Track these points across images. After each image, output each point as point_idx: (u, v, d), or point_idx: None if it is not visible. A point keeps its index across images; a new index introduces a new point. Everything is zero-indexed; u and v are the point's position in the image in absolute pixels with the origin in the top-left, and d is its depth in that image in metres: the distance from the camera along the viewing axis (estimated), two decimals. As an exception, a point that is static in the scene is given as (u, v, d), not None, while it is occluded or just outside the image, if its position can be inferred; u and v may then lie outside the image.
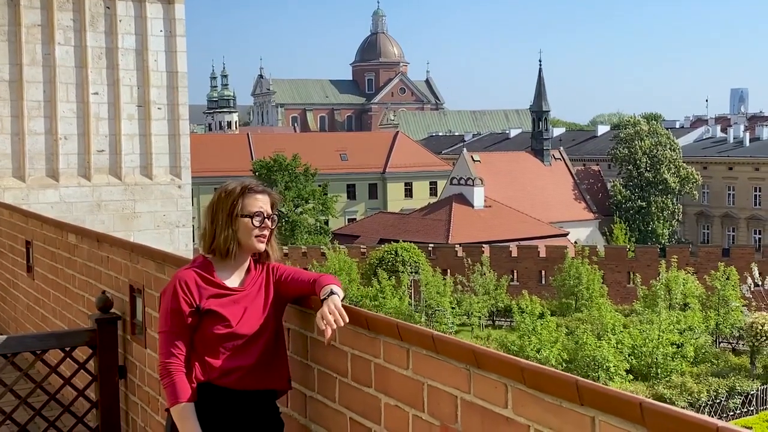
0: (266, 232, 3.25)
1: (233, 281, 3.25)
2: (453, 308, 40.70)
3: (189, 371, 3.13)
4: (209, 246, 3.25)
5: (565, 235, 57.74)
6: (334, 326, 3.02)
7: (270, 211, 3.26)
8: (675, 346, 31.41)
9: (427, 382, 2.72)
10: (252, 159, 68.64)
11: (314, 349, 3.35)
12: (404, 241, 46.17)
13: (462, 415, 2.58)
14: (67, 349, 5.25)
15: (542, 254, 48.34)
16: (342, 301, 3.14)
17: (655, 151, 69.09)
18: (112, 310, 5.33)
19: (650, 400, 2.00)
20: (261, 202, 3.24)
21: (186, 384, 3.10)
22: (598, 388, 2.13)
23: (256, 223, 3.21)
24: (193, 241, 16.37)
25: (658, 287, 36.24)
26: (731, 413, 29.17)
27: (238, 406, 3.18)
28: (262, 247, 3.26)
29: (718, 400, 29.23)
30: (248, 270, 3.29)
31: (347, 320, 3.04)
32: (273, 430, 3.30)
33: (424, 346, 2.72)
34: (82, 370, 5.27)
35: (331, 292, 3.12)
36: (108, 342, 5.27)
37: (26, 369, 5.11)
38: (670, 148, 69.43)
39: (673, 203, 69.06)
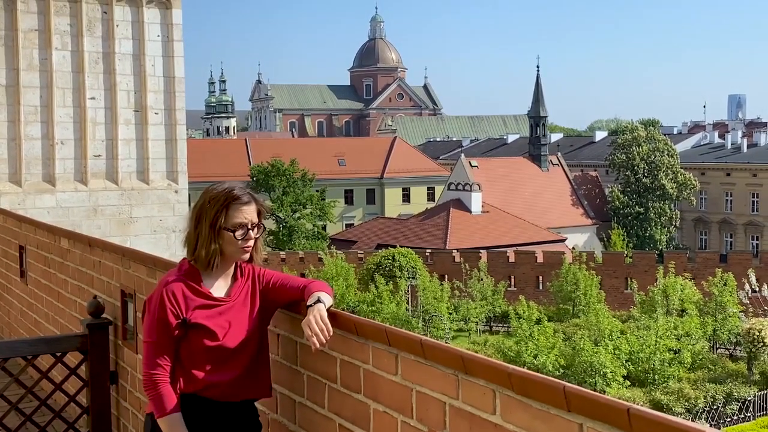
0: (251, 243, 3.16)
1: (219, 290, 3.19)
2: (450, 314, 40.67)
3: (173, 382, 3.09)
4: (192, 253, 3.17)
5: (563, 240, 57.72)
6: (321, 338, 2.99)
7: (256, 220, 3.17)
8: (672, 352, 31.40)
9: (416, 388, 2.70)
10: (250, 164, 68.61)
11: (303, 354, 3.33)
12: (402, 247, 46.12)
13: (450, 421, 2.56)
14: (59, 354, 5.22)
15: (540, 260, 48.30)
16: (331, 307, 3.10)
17: (652, 157, 69.16)
18: (104, 315, 5.30)
19: (638, 407, 1.99)
20: (246, 213, 3.14)
21: (173, 395, 3.06)
22: (585, 394, 2.11)
23: (239, 237, 3.12)
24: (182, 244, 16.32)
25: (655, 293, 36.24)
26: (728, 419, 29.15)
27: (221, 416, 3.16)
28: (246, 257, 3.20)
29: (715, 407, 29.21)
30: (234, 278, 3.23)
31: (331, 332, 3.01)
32: (253, 428, 3.29)
33: (412, 352, 2.70)
34: (73, 376, 5.24)
35: (318, 300, 3.06)
36: (99, 347, 5.23)
37: (17, 374, 5.08)
38: (667, 154, 69.50)
39: (670, 209, 69.10)
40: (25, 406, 5.13)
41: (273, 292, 3.26)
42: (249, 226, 3.13)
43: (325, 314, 3.03)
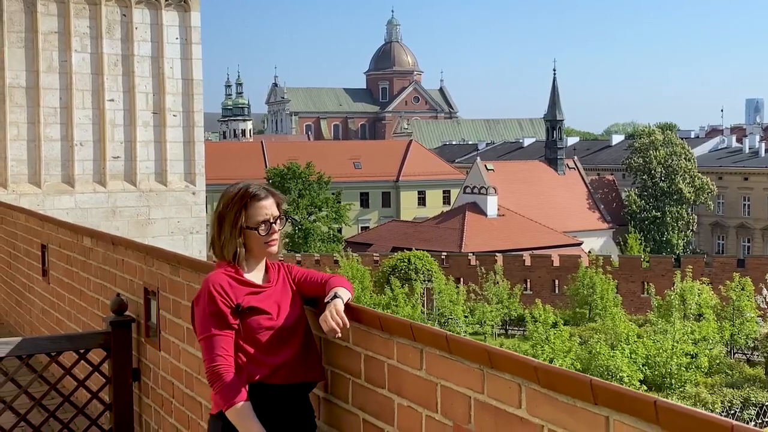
0: (276, 236, 3.21)
1: (257, 280, 3.24)
2: (466, 317, 40.60)
3: (239, 372, 3.06)
4: (220, 255, 3.22)
5: (579, 244, 57.51)
6: (337, 330, 3.04)
7: (276, 213, 3.20)
8: (689, 356, 31.20)
9: (441, 382, 2.72)
10: (266, 167, 68.83)
11: (327, 350, 3.35)
12: (417, 249, 46.12)
13: (475, 415, 2.57)
14: (81, 351, 5.27)
15: (556, 263, 48.15)
16: (349, 300, 3.16)
17: (669, 161, 68.84)
18: (127, 313, 5.35)
19: (665, 399, 2.00)
20: (266, 209, 3.17)
21: (239, 383, 3.02)
22: (612, 388, 2.13)
23: (263, 232, 3.16)
24: (207, 248, 16.45)
25: (672, 297, 36.02)
26: (745, 424, 28.95)
27: (286, 402, 3.16)
28: (274, 250, 3.24)
29: (732, 411, 29.02)
30: (266, 269, 3.29)
31: (347, 325, 3.06)
32: (310, 418, 3.30)
33: (437, 347, 2.72)
34: (96, 373, 5.29)
35: (335, 296, 3.12)
36: (122, 344, 5.28)
37: (40, 371, 5.13)
38: (685, 158, 69.17)
39: (687, 213, 68.74)
40: (48, 403, 5.18)
41: (299, 285, 3.32)
42: (271, 221, 3.18)
43: (341, 308, 3.08)
